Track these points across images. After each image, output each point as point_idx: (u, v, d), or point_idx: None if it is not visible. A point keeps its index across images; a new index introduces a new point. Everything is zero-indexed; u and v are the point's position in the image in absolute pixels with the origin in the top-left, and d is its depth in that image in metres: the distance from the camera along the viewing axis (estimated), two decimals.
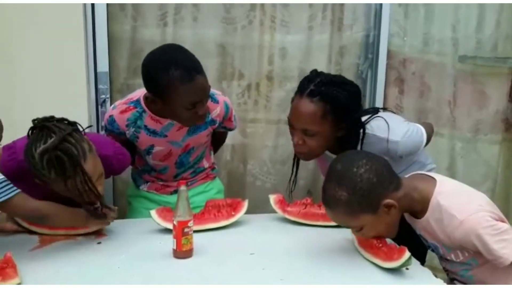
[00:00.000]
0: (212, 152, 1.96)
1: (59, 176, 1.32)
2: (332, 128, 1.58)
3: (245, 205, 1.64)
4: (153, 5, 2.24)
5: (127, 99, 1.71)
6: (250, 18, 2.33)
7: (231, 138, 2.35)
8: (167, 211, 1.57)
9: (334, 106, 1.54)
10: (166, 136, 1.72)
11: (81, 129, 1.41)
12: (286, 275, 1.29)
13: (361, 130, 1.61)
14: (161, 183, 1.88)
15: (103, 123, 1.75)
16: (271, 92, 2.40)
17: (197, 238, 1.41)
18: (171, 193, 1.85)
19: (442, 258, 1.43)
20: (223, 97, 1.79)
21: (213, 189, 1.94)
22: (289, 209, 1.67)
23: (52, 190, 1.38)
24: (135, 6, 2.24)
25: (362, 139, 1.61)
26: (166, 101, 1.56)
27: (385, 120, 1.61)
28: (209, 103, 1.68)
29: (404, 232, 1.42)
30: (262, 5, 2.32)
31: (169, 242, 1.39)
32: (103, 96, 2.23)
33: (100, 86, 2.23)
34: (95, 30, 2.18)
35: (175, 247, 1.37)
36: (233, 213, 1.62)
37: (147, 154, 1.78)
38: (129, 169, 1.99)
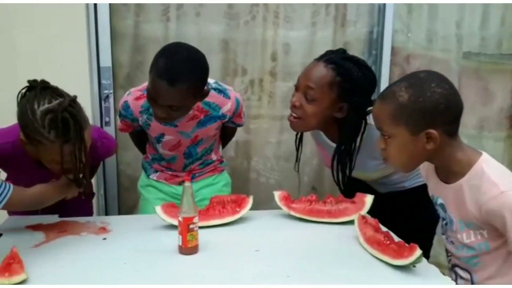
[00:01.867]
0: (220, 146, 1.97)
1: (59, 138, 1.31)
2: (333, 102, 1.55)
3: (250, 201, 1.64)
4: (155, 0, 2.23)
5: (142, 87, 1.70)
6: (253, 14, 2.33)
7: (235, 134, 2.35)
8: (172, 206, 1.56)
9: (344, 81, 1.52)
10: (176, 126, 1.73)
11: None
12: (292, 272, 1.28)
13: (363, 120, 1.59)
14: (170, 172, 1.89)
15: (118, 108, 1.79)
16: (274, 88, 2.40)
17: (202, 234, 1.41)
18: (180, 184, 1.85)
19: (448, 240, 1.39)
20: (234, 93, 1.79)
21: (220, 182, 1.95)
22: (294, 205, 1.66)
23: (34, 165, 1.41)
24: (137, 1, 2.23)
25: (364, 129, 1.59)
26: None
27: None
28: (220, 98, 1.71)
29: (409, 225, 1.41)
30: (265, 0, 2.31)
31: (174, 238, 1.38)
32: (106, 91, 2.24)
33: (103, 81, 2.23)
34: (98, 26, 2.18)
35: (180, 243, 1.36)
36: (238, 209, 1.61)
37: (157, 143, 1.80)
38: (137, 160, 2.00)
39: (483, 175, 1.25)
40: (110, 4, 2.19)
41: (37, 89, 1.35)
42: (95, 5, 2.16)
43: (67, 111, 1.31)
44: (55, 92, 1.35)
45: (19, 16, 2.05)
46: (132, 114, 1.73)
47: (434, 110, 1.23)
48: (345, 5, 2.39)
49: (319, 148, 1.86)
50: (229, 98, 1.74)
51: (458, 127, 1.30)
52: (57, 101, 1.32)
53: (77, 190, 1.53)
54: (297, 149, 1.77)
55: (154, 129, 1.75)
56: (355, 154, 1.62)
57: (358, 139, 1.60)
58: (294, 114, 1.60)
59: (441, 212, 1.40)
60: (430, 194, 1.45)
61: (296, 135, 1.75)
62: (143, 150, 1.96)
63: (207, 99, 1.66)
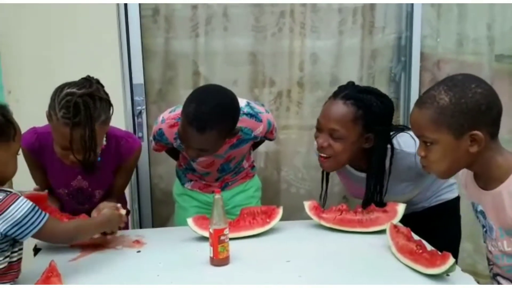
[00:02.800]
0: (251, 152, 1.99)
1: (65, 118, 1.40)
2: (360, 136, 1.56)
3: (280, 212, 1.64)
4: (184, 17, 2.29)
5: (175, 114, 1.72)
6: (280, 25, 2.35)
7: (265, 145, 2.37)
8: (204, 219, 1.59)
9: (366, 113, 1.53)
10: None
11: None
12: (323, 282, 1.28)
13: (390, 146, 1.60)
14: (203, 182, 1.94)
15: (152, 135, 1.84)
16: (302, 99, 2.41)
17: (233, 246, 1.42)
18: (213, 192, 1.88)
19: (489, 248, 1.36)
20: (266, 114, 1.79)
21: (252, 187, 1.98)
22: (324, 215, 1.65)
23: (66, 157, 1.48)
24: (167, 18, 2.30)
25: (392, 155, 1.60)
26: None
27: (411, 135, 1.57)
28: (252, 122, 1.73)
29: (437, 234, 1.38)
30: (292, 11, 2.34)
31: (206, 249, 1.41)
32: (139, 107, 2.30)
33: (136, 98, 2.30)
34: (130, 44, 2.25)
35: (212, 255, 1.39)
36: (268, 220, 1.62)
37: (192, 161, 1.85)
38: (170, 174, 2.04)
39: None
40: (140, 22, 2.25)
41: (84, 80, 1.49)
42: (127, 24, 2.23)
43: (82, 98, 1.41)
44: (91, 84, 1.47)
45: (55, 38, 2.14)
46: (167, 140, 1.77)
47: (476, 110, 1.20)
48: (372, 12, 2.38)
49: (343, 179, 1.87)
50: (261, 121, 1.75)
51: (499, 129, 1.27)
52: (83, 90, 1.43)
53: (117, 226, 1.54)
54: (322, 188, 1.77)
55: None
56: (387, 179, 1.63)
57: (388, 164, 1.61)
58: (323, 155, 1.61)
59: (481, 219, 1.37)
60: (470, 201, 1.42)
61: (322, 172, 1.75)
62: (176, 158, 2.00)
63: (239, 124, 1.66)
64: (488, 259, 1.40)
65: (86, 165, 1.54)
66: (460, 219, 1.82)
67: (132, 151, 1.71)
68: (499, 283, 1.36)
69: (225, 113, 1.56)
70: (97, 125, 1.46)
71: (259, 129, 1.76)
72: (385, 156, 1.60)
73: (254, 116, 1.73)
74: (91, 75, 1.75)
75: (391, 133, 1.63)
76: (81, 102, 1.41)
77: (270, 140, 1.94)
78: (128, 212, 1.90)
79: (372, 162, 1.61)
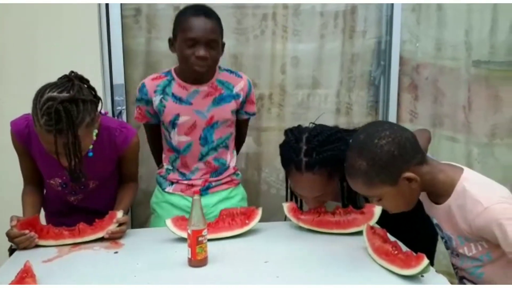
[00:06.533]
0: (235, 153, 1.98)
1: (48, 126, 1.38)
2: (339, 180, 1.65)
3: (259, 213, 1.65)
4: (166, 17, 2.28)
5: (162, 71, 1.88)
6: (262, 28, 2.36)
7: (246, 146, 2.37)
8: (182, 220, 1.58)
9: (333, 164, 1.57)
10: (191, 103, 1.81)
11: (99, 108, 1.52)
12: (300, 282, 1.29)
13: None
14: (185, 182, 1.89)
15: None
16: (284, 101, 2.42)
17: (211, 247, 1.43)
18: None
19: (453, 254, 1.41)
20: (245, 75, 1.92)
21: (237, 195, 1.96)
22: (302, 217, 1.67)
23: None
24: (149, 18, 2.29)
25: None
26: (175, 39, 1.76)
27: None
28: (232, 77, 1.87)
29: (414, 234, 1.41)
30: (274, 14, 2.35)
31: (184, 250, 1.40)
32: (119, 107, 2.29)
33: (116, 98, 2.28)
34: (111, 44, 2.23)
35: (190, 256, 1.39)
36: (247, 221, 1.63)
37: (172, 128, 1.83)
38: (150, 175, 2.06)
39: (465, 193, 1.28)
40: (122, 22, 2.24)
41: (65, 78, 1.45)
42: (108, 24, 2.22)
43: (63, 105, 1.37)
44: (74, 86, 1.42)
45: (37, 39, 2.12)
46: (147, 94, 1.82)
47: (392, 159, 1.29)
48: (353, 16, 2.40)
49: None
50: (240, 77, 1.89)
51: (424, 153, 1.36)
52: (64, 93, 1.39)
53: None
54: (288, 196, 1.80)
55: (169, 111, 1.81)
56: (358, 197, 1.69)
57: None
58: (317, 208, 1.69)
59: (439, 232, 1.44)
60: (428, 214, 1.48)
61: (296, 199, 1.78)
62: (158, 157, 1.98)
63: (220, 78, 1.83)
64: (452, 264, 1.46)
65: (72, 173, 1.51)
66: None
67: (128, 141, 1.68)
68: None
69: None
70: (81, 130, 1.42)
71: (240, 85, 1.86)
72: None
73: (234, 72, 1.89)
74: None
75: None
76: (62, 109, 1.37)
77: (251, 115, 1.96)
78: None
79: (343, 191, 1.70)
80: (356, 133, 1.39)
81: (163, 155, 1.95)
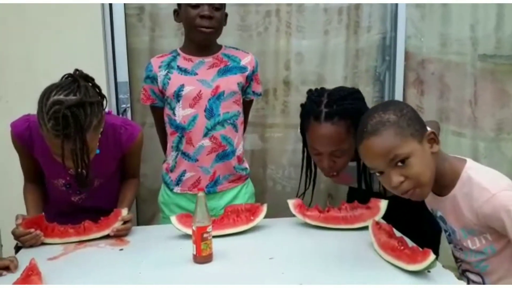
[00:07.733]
0: (242, 141, 1.94)
1: (55, 131, 1.35)
2: (355, 158, 1.60)
3: (264, 209, 1.65)
4: (170, 15, 2.27)
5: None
6: (266, 25, 2.35)
7: (251, 143, 2.37)
8: (187, 217, 1.58)
9: (353, 118, 1.53)
10: (196, 74, 1.82)
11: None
12: (306, 279, 1.29)
13: None
14: (191, 174, 1.85)
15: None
16: (288, 97, 2.42)
17: (216, 243, 1.42)
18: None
19: (456, 248, 1.40)
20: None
21: (246, 193, 1.95)
22: (308, 213, 1.66)
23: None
24: (152, 17, 2.29)
25: None
26: (180, 7, 1.80)
27: None
28: (239, 52, 1.90)
29: (419, 229, 1.40)
30: (278, 11, 2.34)
31: (189, 247, 1.40)
32: (124, 105, 2.29)
33: (120, 96, 2.29)
34: (114, 42, 2.24)
35: (195, 252, 1.38)
36: (252, 218, 1.63)
37: (177, 101, 1.81)
38: (155, 172, 2.06)
39: (471, 182, 1.27)
40: (125, 20, 2.25)
41: (69, 78, 1.43)
42: (112, 22, 2.22)
43: (70, 110, 1.35)
44: (80, 87, 1.39)
45: (39, 37, 2.13)
46: (152, 70, 1.84)
47: (417, 115, 1.31)
48: (357, 12, 2.39)
49: None
50: (248, 53, 1.91)
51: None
52: (71, 96, 1.37)
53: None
54: (305, 182, 1.77)
55: (174, 82, 1.81)
56: (372, 178, 1.65)
57: None
58: (333, 173, 1.64)
59: (442, 225, 1.42)
60: (430, 208, 1.46)
61: (306, 171, 1.75)
62: (165, 139, 1.93)
63: (226, 52, 1.87)
64: (455, 257, 1.44)
65: (79, 179, 1.50)
66: None
67: (133, 138, 1.67)
68: (468, 279, 1.39)
69: None
70: (89, 134, 1.40)
71: (247, 59, 1.89)
72: None
73: (240, 50, 1.93)
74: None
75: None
76: (70, 114, 1.34)
77: (258, 95, 1.97)
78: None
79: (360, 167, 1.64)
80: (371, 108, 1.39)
81: (168, 145, 1.91)
